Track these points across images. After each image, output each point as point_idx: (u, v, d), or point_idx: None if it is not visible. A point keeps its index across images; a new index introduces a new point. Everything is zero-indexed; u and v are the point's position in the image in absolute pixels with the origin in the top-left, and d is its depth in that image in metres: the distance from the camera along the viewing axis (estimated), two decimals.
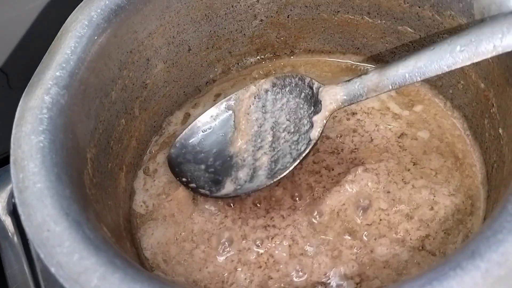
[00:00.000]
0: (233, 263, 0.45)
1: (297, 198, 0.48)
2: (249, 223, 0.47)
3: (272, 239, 0.45)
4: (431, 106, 0.53)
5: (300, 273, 0.43)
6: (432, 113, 0.52)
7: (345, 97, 0.45)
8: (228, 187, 0.47)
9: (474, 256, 0.28)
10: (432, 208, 0.45)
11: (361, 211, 0.45)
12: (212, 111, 0.51)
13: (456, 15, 0.44)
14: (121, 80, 0.47)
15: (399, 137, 0.50)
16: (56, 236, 0.33)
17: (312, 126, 0.46)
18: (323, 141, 0.51)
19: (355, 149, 0.50)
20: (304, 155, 0.44)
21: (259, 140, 0.49)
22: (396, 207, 0.45)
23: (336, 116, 0.52)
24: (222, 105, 0.51)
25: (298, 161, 0.44)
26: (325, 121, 0.45)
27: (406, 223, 0.44)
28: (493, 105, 0.44)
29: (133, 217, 0.49)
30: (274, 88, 0.50)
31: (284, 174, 0.44)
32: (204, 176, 0.48)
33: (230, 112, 0.51)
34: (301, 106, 0.47)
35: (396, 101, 0.53)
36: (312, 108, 0.46)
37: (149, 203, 0.50)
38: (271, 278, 0.43)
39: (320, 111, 0.45)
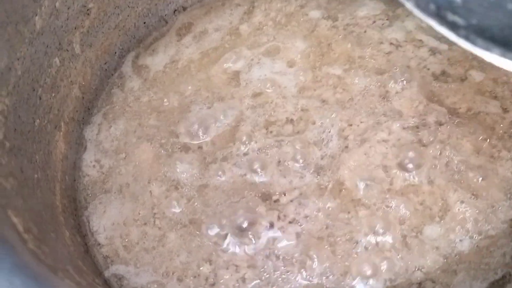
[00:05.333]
0: (214, 252, 0.32)
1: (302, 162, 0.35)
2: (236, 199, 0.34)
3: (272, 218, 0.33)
4: None
5: (303, 271, 0.31)
6: None
7: None
8: None
9: None
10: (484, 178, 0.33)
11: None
12: None
13: None
14: (48, 0, 0.33)
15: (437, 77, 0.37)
16: None
17: None
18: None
19: (384, 97, 0.37)
20: None
21: None
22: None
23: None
24: None
25: None
26: None
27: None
28: None
29: (79, 192, 0.36)
30: None
31: None
32: None
33: None
34: None
35: (430, 31, 0.40)
36: None
37: (104, 162, 0.37)
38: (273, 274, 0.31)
39: None
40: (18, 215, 0.25)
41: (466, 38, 0.22)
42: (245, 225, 0.33)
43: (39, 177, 0.31)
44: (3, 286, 0.18)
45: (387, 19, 0.41)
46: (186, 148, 0.37)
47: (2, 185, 0.25)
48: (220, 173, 0.35)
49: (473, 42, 0.22)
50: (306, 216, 0.33)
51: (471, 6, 0.22)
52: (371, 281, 0.31)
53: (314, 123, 0.36)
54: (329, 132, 0.36)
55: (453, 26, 0.22)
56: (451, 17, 0.23)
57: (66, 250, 0.29)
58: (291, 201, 0.34)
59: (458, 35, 0.22)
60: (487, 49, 0.22)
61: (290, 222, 0.33)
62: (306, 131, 0.36)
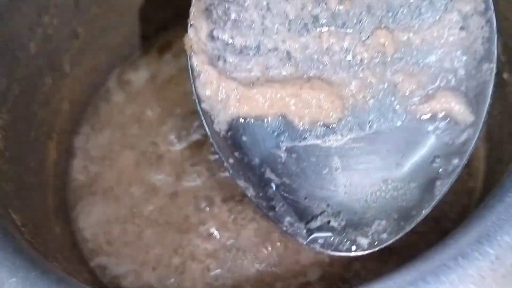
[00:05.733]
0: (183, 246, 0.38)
1: None
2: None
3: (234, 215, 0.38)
4: None
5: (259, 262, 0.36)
6: None
7: None
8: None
9: (481, 240, 0.21)
10: None
11: None
12: None
13: None
14: (41, 28, 0.38)
15: None
16: None
17: None
18: None
19: None
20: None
21: None
22: None
23: None
24: None
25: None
26: None
27: None
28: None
29: (69, 194, 0.41)
30: None
31: None
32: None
33: None
34: None
35: None
36: None
37: (91, 168, 0.42)
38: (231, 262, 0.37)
39: None
40: (17, 212, 0.30)
41: (275, 196, 0.26)
42: (210, 221, 0.38)
43: (34, 181, 0.36)
44: (7, 265, 0.24)
45: None
46: (162, 156, 0.42)
47: (3, 188, 0.31)
48: (191, 177, 0.41)
49: (277, 205, 0.25)
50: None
51: (289, 166, 0.26)
52: (317, 269, 0.36)
53: None
54: None
55: (267, 183, 0.25)
56: (269, 174, 0.26)
57: (57, 243, 0.35)
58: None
59: (270, 194, 0.25)
60: (281, 216, 0.25)
61: (249, 220, 0.38)
62: None
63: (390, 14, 0.26)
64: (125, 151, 0.43)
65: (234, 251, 0.37)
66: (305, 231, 0.26)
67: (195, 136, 0.42)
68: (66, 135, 0.43)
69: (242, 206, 0.39)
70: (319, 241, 0.25)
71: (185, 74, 0.46)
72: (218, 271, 0.36)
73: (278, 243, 0.37)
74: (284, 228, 0.26)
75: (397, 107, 0.26)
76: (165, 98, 0.45)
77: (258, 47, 0.27)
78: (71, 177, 0.42)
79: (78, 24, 0.42)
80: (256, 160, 0.27)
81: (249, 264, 0.36)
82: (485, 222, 0.22)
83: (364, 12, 0.26)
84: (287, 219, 0.26)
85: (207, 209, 0.39)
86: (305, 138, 0.26)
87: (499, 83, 0.36)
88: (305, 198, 0.26)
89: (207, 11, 0.27)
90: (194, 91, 0.28)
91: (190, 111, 0.44)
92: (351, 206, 0.26)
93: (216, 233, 0.38)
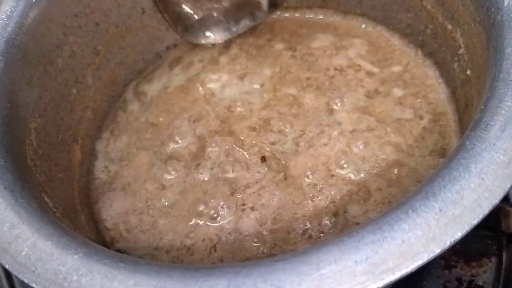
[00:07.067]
0: (193, 232, 0.43)
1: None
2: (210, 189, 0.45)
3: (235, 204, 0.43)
4: (403, 57, 0.50)
5: (258, 243, 0.41)
6: (404, 63, 0.49)
7: None
8: None
9: (428, 196, 0.26)
10: (399, 171, 0.43)
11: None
12: None
13: None
14: (67, 46, 0.45)
15: (371, 94, 0.48)
16: None
17: None
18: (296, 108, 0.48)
19: (328, 112, 0.47)
20: None
21: None
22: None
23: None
24: None
25: None
26: None
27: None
28: (460, 46, 0.41)
29: (92, 190, 0.47)
30: None
31: None
32: None
33: None
34: None
35: (367, 58, 0.51)
36: None
37: (111, 168, 0.48)
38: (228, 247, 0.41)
39: None
40: (49, 197, 0.35)
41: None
42: (216, 211, 0.43)
43: (62, 177, 0.42)
44: (43, 232, 0.29)
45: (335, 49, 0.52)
46: (172, 155, 0.47)
47: (38, 178, 0.36)
48: (197, 173, 0.46)
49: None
50: (262, 203, 0.43)
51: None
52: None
53: (272, 130, 0.47)
54: (286, 137, 0.46)
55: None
56: None
57: (83, 229, 0.40)
58: (253, 192, 0.44)
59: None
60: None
61: (250, 208, 0.43)
62: (266, 137, 0.46)
63: None
64: (140, 152, 0.48)
65: (236, 234, 0.42)
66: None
67: (201, 136, 0.48)
68: (89, 139, 0.48)
69: (243, 199, 0.44)
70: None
71: (192, 84, 0.52)
72: (223, 251, 0.41)
73: (274, 227, 0.42)
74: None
75: None
76: (175, 105, 0.51)
77: None
78: (93, 175, 0.47)
79: (98, 43, 0.48)
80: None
81: (249, 245, 0.41)
82: (433, 183, 0.26)
83: None
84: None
85: (214, 201, 0.44)
86: None
87: (465, 79, 0.41)
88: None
89: None
90: None
91: (197, 114, 0.49)
92: None
93: (222, 221, 0.43)
